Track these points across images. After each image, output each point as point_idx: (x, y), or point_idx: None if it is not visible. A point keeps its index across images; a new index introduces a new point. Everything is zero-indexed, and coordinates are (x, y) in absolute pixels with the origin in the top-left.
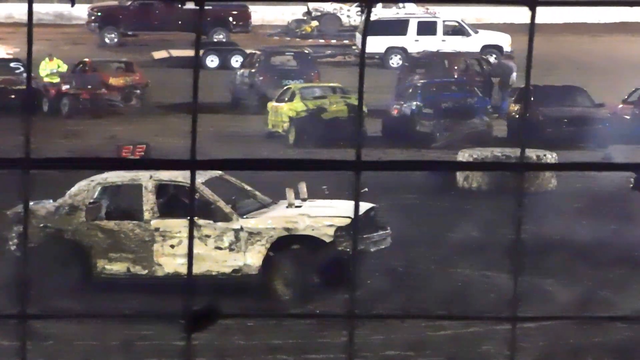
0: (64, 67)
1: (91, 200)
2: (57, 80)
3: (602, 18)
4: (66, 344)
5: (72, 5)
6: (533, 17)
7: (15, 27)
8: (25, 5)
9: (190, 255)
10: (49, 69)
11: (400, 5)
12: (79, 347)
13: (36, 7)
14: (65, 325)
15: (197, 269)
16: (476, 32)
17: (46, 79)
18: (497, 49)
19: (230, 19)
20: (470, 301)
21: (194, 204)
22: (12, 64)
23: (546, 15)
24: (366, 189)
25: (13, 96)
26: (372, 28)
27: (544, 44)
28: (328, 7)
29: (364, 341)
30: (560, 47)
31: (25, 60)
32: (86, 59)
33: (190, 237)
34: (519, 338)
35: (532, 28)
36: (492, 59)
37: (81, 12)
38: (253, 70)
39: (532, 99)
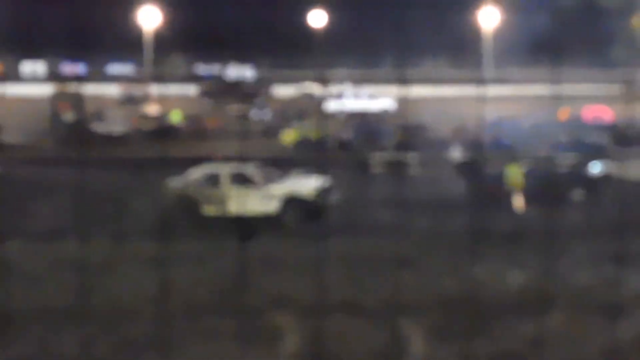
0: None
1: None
2: (178, 122)
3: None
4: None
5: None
6: (405, 91)
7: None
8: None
9: (239, 206)
10: (176, 116)
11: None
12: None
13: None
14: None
15: (246, 212)
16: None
17: (174, 121)
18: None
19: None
20: None
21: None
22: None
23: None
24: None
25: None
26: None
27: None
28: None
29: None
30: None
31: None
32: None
33: (239, 198)
34: None
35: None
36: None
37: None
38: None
39: None
